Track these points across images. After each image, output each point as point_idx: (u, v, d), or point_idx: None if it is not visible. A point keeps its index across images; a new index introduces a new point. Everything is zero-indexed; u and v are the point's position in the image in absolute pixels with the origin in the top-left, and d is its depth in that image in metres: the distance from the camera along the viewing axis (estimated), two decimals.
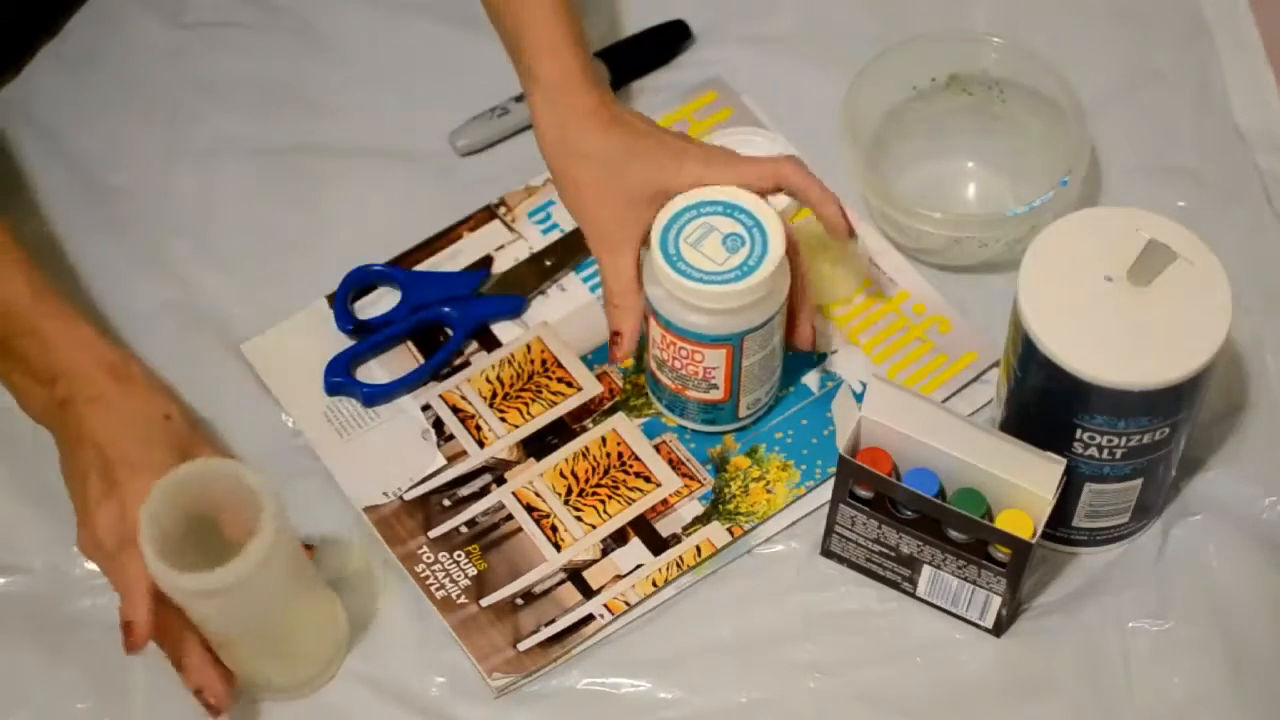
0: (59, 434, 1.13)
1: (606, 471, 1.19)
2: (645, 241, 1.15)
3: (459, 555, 1.17)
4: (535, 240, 1.29)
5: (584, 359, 1.24)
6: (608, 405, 1.22)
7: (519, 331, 1.25)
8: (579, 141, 1.16)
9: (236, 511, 1.05)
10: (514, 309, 1.26)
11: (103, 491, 1.08)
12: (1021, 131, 1.28)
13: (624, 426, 1.21)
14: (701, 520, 1.18)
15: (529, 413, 1.22)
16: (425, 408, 1.22)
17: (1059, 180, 1.22)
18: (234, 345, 1.24)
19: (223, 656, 1.10)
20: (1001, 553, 1.10)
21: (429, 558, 1.16)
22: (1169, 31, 1.37)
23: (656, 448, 1.20)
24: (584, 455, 1.20)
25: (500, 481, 1.19)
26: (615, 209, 1.16)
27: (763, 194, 1.15)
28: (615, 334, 1.18)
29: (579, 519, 1.18)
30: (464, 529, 1.18)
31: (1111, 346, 1.06)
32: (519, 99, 1.33)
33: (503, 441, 1.21)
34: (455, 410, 1.22)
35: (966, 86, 1.29)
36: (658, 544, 1.17)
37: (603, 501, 1.18)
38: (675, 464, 1.20)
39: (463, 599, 1.15)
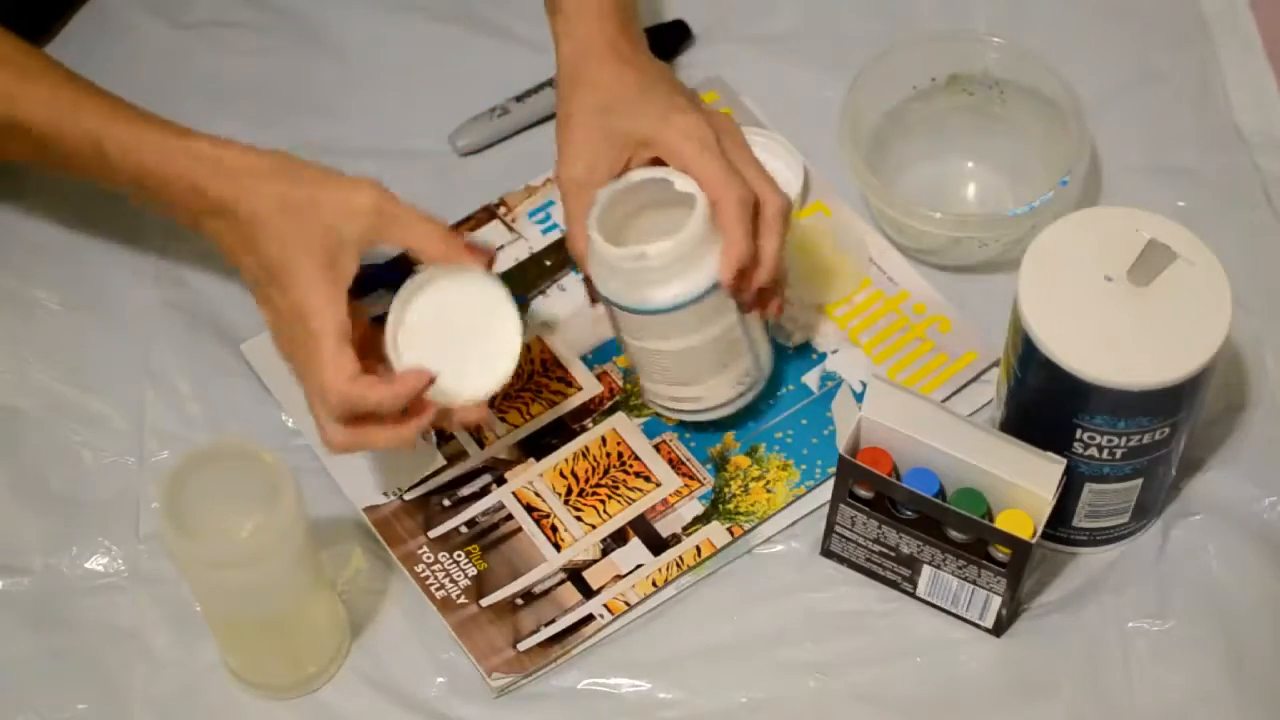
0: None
1: (606, 471, 1.20)
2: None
3: (459, 555, 1.17)
4: (535, 240, 1.29)
5: (584, 359, 1.24)
6: (608, 405, 1.22)
7: None
8: (584, 72, 1.15)
9: (240, 496, 1.05)
10: None
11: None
12: (1021, 131, 1.28)
13: (624, 426, 1.21)
14: (701, 520, 1.18)
15: (529, 413, 1.22)
16: None
17: (1059, 180, 1.22)
18: (234, 345, 1.24)
19: (225, 650, 1.11)
20: (1001, 553, 1.10)
21: (429, 558, 1.16)
22: (1169, 31, 1.37)
23: (656, 447, 1.20)
24: (584, 455, 1.20)
25: (500, 481, 1.19)
26: (589, 152, 1.14)
27: (712, 201, 1.12)
28: (586, 279, 1.16)
29: (579, 519, 1.18)
30: (464, 529, 1.18)
31: (1111, 346, 1.06)
32: (519, 99, 1.33)
33: (503, 441, 1.21)
34: None
35: (966, 86, 1.29)
36: (658, 544, 1.17)
37: (603, 501, 1.18)
38: (675, 464, 1.20)
39: (463, 599, 1.15)
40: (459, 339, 1.10)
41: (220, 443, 1.07)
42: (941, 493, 1.12)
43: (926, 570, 1.13)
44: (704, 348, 1.14)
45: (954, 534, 1.11)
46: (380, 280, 1.27)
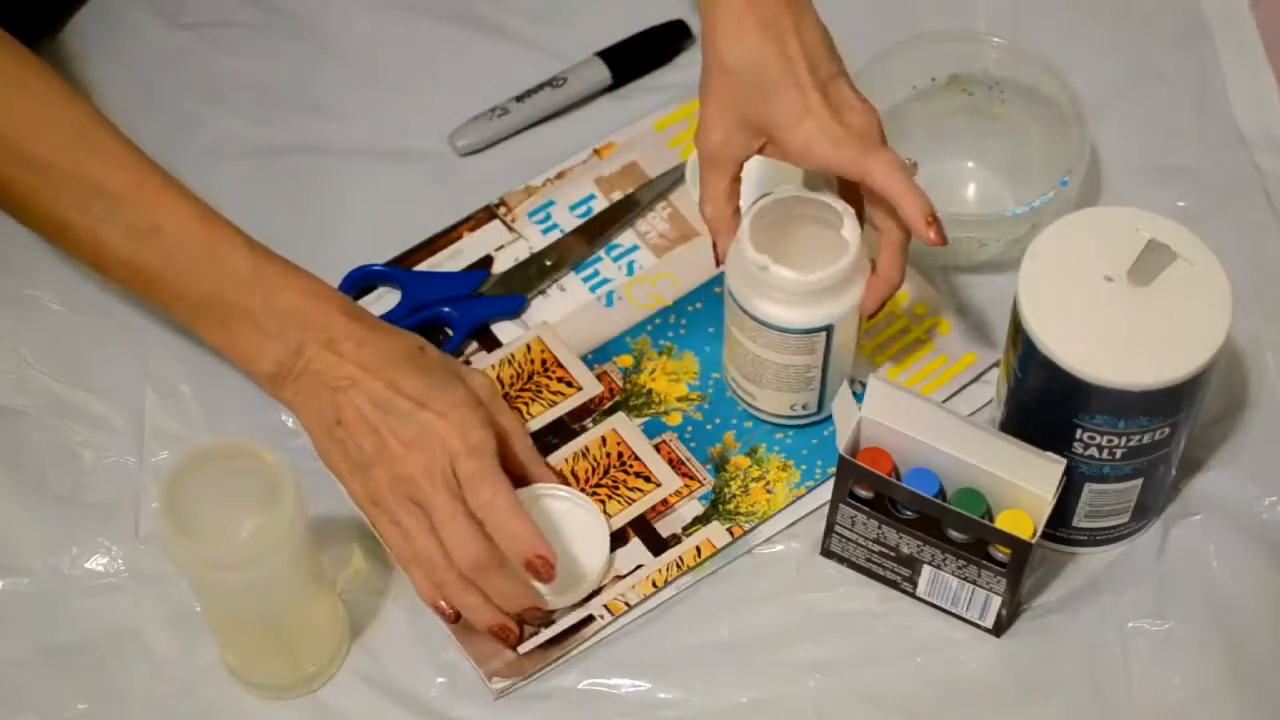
0: (298, 390, 1.14)
1: (606, 471, 1.19)
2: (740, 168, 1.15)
3: None
4: (535, 240, 1.29)
5: (584, 359, 1.24)
6: (608, 405, 1.22)
7: (519, 331, 1.25)
8: (728, 46, 1.14)
9: (240, 495, 1.05)
10: (514, 309, 1.26)
11: (410, 428, 1.10)
12: (1021, 131, 1.28)
13: (624, 426, 1.21)
14: (701, 520, 1.18)
15: (529, 413, 1.22)
16: None
17: (1059, 180, 1.22)
18: None
19: (225, 650, 1.11)
20: (1001, 553, 1.10)
21: None
22: (1169, 31, 1.37)
23: (656, 447, 1.20)
24: (584, 455, 1.20)
25: None
26: (725, 126, 1.14)
27: (847, 186, 1.15)
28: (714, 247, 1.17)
29: None
30: None
31: (1111, 346, 1.06)
32: (519, 99, 1.33)
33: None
34: None
35: (966, 86, 1.29)
36: (658, 544, 1.17)
37: (603, 502, 1.18)
38: (675, 464, 1.20)
39: None
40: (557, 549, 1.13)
41: (220, 442, 1.07)
42: (941, 493, 1.12)
43: (926, 570, 1.13)
44: (780, 369, 1.16)
45: (954, 534, 1.11)
46: (381, 280, 1.27)
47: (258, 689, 1.12)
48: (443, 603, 1.12)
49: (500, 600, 1.11)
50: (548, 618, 1.13)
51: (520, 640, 1.12)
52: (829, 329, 1.14)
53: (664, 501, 1.18)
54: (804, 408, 1.19)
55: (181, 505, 1.03)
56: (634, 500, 1.18)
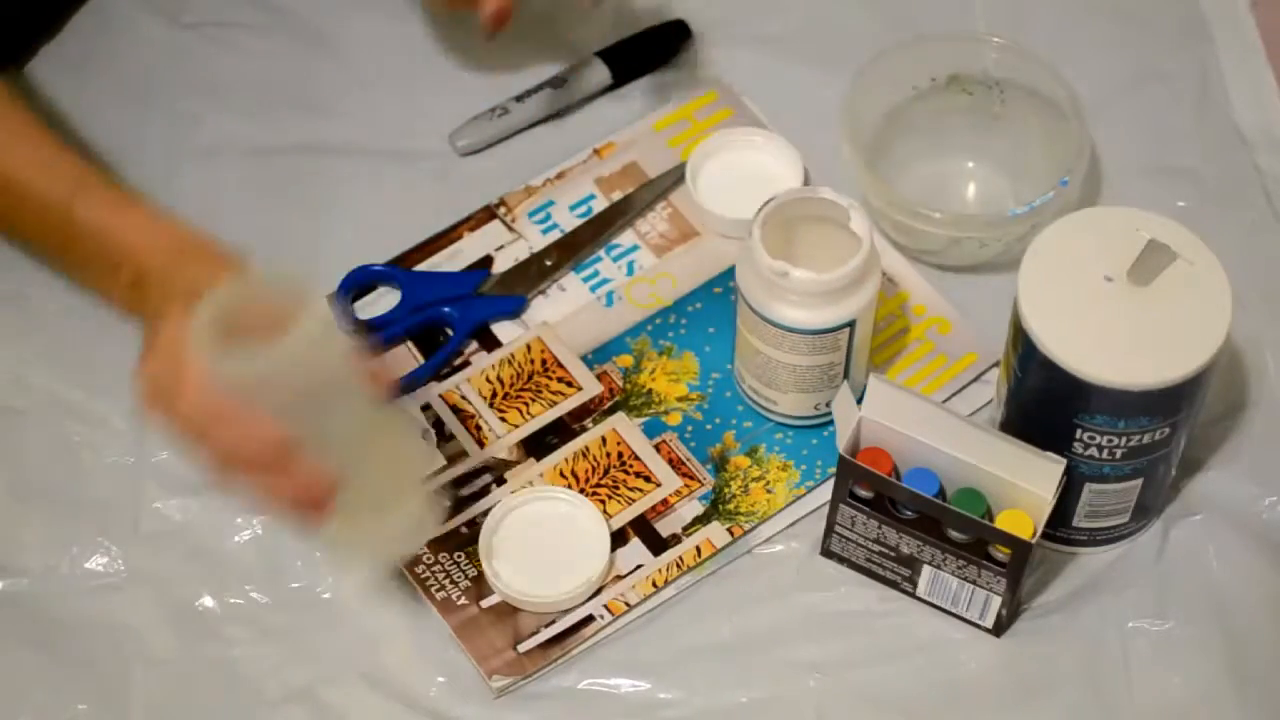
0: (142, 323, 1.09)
1: (606, 471, 1.20)
2: None
3: (459, 556, 1.17)
4: (535, 240, 1.29)
5: (584, 359, 1.24)
6: (608, 405, 1.22)
7: (519, 331, 1.25)
8: None
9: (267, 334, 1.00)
10: (514, 309, 1.26)
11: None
12: (1021, 131, 1.28)
13: (624, 426, 1.21)
14: (701, 520, 1.18)
15: (529, 413, 1.22)
16: (425, 408, 1.22)
17: (1059, 180, 1.22)
18: None
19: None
20: (1001, 553, 1.10)
21: (429, 558, 1.16)
22: (1169, 31, 1.37)
23: (656, 447, 1.20)
24: (584, 455, 1.20)
25: (500, 482, 1.19)
26: None
27: None
28: None
29: None
30: (464, 529, 1.18)
31: (1111, 346, 1.06)
32: (519, 99, 1.33)
33: (503, 441, 1.21)
34: (455, 410, 1.22)
35: (966, 86, 1.29)
36: (658, 544, 1.17)
37: (603, 502, 1.18)
38: (675, 464, 1.20)
39: (463, 600, 1.15)
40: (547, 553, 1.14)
41: (244, 280, 1.01)
42: (941, 493, 1.12)
43: (926, 570, 1.13)
44: (802, 371, 1.16)
45: (954, 534, 1.11)
46: (381, 280, 1.27)
47: (346, 560, 1.11)
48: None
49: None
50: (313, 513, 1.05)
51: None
52: (851, 325, 1.14)
53: (664, 501, 1.18)
54: (827, 406, 1.19)
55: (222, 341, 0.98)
56: (634, 500, 1.18)
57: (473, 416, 1.22)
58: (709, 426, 1.21)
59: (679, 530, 1.18)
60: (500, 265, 1.27)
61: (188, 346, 0.99)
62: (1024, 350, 1.09)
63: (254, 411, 1.00)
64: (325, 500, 1.03)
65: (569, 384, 1.23)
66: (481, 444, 1.21)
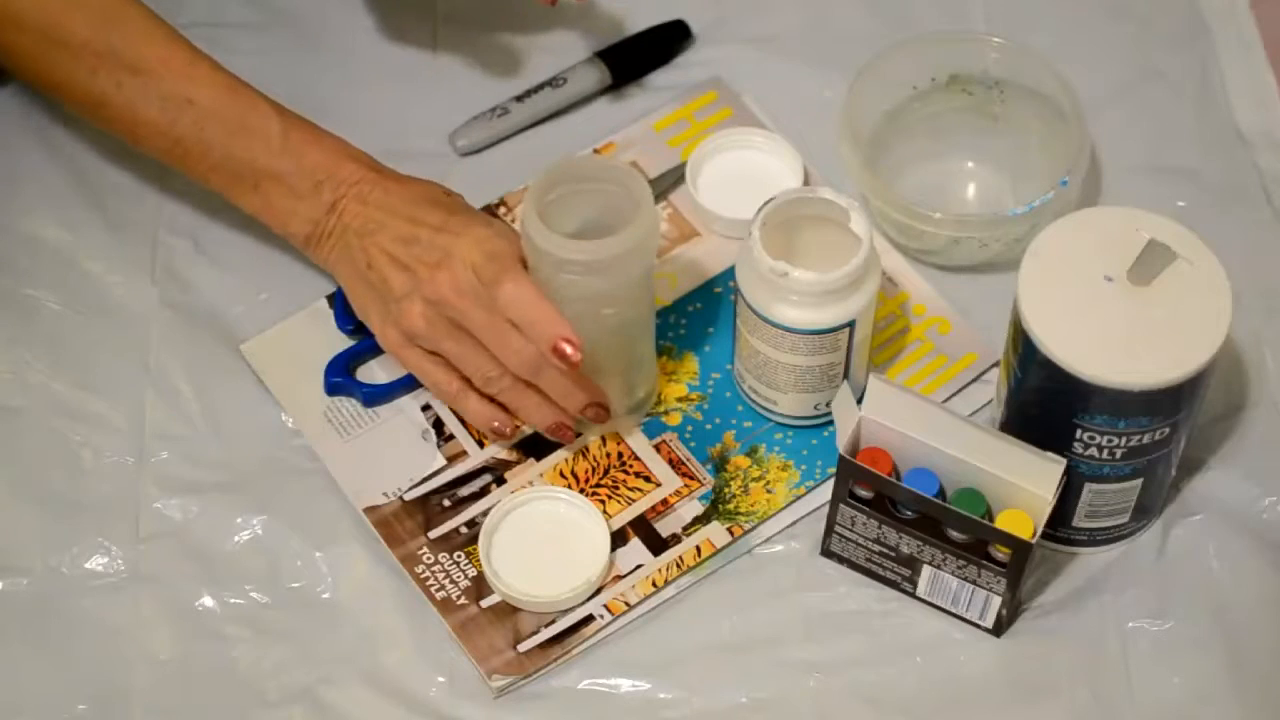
0: (333, 245, 1.17)
1: (606, 471, 1.19)
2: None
3: (459, 556, 1.17)
4: None
5: None
6: None
7: None
8: None
9: (595, 214, 1.12)
10: None
11: (434, 253, 1.13)
12: (1021, 131, 1.28)
13: (624, 426, 1.21)
14: (701, 520, 1.18)
15: None
16: (425, 408, 1.22)
17: (1059, 180, 1.22)
18: (234, 345, 1.24)
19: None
20: (1001, 553, 1.10)
21: (429, 558, 1.16)
22: (1169, 31, 1.37)
23: (656, 447, 1.20)
24: (584, 455, 1.20)
25: (500, 482, 1.19)
26: None
27: None
28: None
29: None
30: (464, 529, 1.18)
31: (1111, 346, 1.06)
32: (519, 99, 1.33)
33: (503, 441, 1.21)
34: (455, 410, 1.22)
35: (966, 86, 1.29)
36: (658, 544, 1.17)
37: (603, 502, 1.18)
38: (675, 464, 1.20)
39: (463, 600, 1.15)
40: (547, 552, 1.16)
41: (578, 162, 1.14)
42: (941, 493, 1.12)
43: (926, 570, 1.13)
44: (802, 371, 1.16)
45: (954, 534, 1.11)
46: None
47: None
48: (498, 423, 1.16)
49: (559, 398, 1.15)
50: (607, 419, 1.16)
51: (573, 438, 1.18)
52: (851, 325, 1.14)
53: (664, 501, 1.18)
54: (827, 406, 1.19)
55: (549, 220, 1.09)
56: (634, 500, 1.18)
57: None
58: (709, 426, 1.21)
59: (679, 530, 1.18)
60: None
61: (532, 227, 1.09)
62: (1024, 350, 1.09)
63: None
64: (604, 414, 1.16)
65: None
66: (481, 444, 1.21)
